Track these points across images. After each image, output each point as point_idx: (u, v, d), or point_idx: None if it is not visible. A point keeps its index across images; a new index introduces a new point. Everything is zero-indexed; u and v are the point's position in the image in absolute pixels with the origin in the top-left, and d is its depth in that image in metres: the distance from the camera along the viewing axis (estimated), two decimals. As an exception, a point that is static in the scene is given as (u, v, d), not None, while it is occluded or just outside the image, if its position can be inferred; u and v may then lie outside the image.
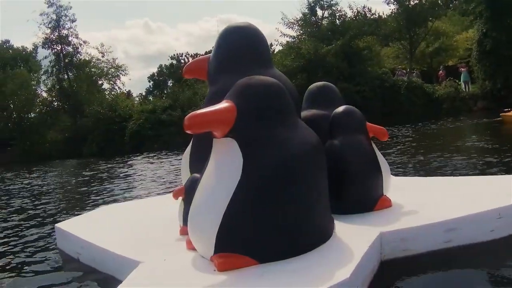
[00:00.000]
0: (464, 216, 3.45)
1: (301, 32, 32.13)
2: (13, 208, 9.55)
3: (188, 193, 3.68)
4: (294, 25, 32.52)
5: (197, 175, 3.62)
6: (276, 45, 34.84)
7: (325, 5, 32.19)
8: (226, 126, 3.00)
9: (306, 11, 32.20)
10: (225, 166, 3.04)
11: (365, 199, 4.00)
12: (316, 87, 4.80)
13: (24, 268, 4.55)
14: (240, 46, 4.07)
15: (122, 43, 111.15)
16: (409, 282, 3.04)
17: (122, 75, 48.18)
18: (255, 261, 2.85)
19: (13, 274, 4.32)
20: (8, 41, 61.33)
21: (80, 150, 36.48)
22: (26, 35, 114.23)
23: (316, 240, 3.09)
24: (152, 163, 19.27)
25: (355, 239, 3.19)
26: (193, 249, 3.26)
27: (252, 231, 2.88)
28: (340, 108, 4.25)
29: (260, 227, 2.88)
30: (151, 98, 53.63)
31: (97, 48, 46.72)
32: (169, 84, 66.80)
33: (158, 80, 73.87)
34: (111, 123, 36.27)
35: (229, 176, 2.97)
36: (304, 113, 4.42)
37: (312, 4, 31.94)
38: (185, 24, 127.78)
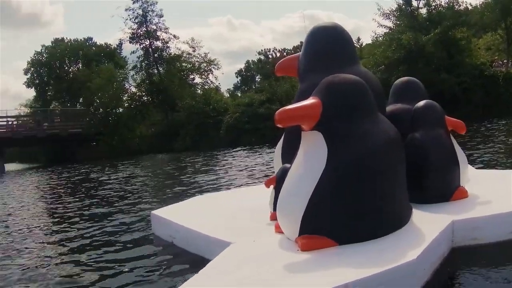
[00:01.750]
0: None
1: (398, 22, 31.72)
2: (108, 199, 10.46)
3: (278, 182, 4.12)
4: (390, 16, 32.13)
5: (287, 165, 4.07)
6: (374, 37, 34.48)
7: None
8: (312, 120, 3.43)
9: (401, 1, 31.77)
10: (312, 156, 3.48)
11: (443, 190, 4.36)
12: (401, 82, 5.14)
13: (121, 251, 5.15)
14: (327, 45, 4.50)
15: (206, 41, 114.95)
16: (476, 269, 3.26)
17: (215, 69, 48.98)
18: (334, 243, 3.26)
19: (111, 257, 4.91)
20: (91, 39, 64.01)
21: (171, 144, 37.41)
22: (109, 32, 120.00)
23: (392, 225, 3.47)
24: (247, 156, 20.03)
25: (428, 225, 3.55)
26: (281, 232, 3.72)
27: (333, 216, 3.30)
28: (421, 103, 4.62)
29: (341, 212, 3.30)
30: (239, 93, 54.13)
31: (187, 43, 47.74)
32: (257, 79, 67.73)
33: (246, 76, 75.35)
34: (206, 117, 37.14)
35: (314, 166, 3.40)
36: (389, 107, 4.81)
37: None
38: (268, 20, 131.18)
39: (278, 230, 3.78)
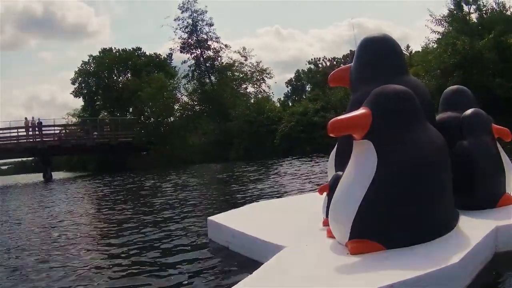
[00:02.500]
0: None
1: (451, 28, 31.57)
2: (162, 206, 11.00)
3: (331, 189, 4.42)
4: (442, 22, 31.99)
5: (340, 173, 4.38)
6: (426, 43, 34.36)
7: (471, 0, 31.42)
8: (363, 129, 3.73)
9: (452, 6, 31.61)
10: (362, 164, 3.78)
11: (489, 196, 4.62)
12: (451, 90, 5.39)
13: (177, 255, 5.52)
14: (377, 56, 4.80)
15: (255, 51, 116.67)
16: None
17: (267, 78, 49.68)
18: (382, 247, 3.54)
19: (167, 261, 5.30)
20: (139, 49, 65.26)
21: (224, 153, 38.03)
22: (157, 42, 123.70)
23: (438, 231, 3.71)
24: (302, 164, 20.46)
25: (472, 231, 3.80)
26: (332, 237, 4.02)
27: (382, 221, 3.58)
28: (469, 111, 4.89)
29: (389, 217, 3.58)
30: (289, 103, 54.44)
31: (239, 52, 48.56)
32: (307, 88, 68.09)
33: (296, 85, 75.97)
34: (259, 126, 37.74)
35: (364, 173, 3.70)
36: (439, 115, 5.09)
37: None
38: (316, 29, 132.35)
39: (330, 235, 4.08)
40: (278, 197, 9.78)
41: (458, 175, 4.13)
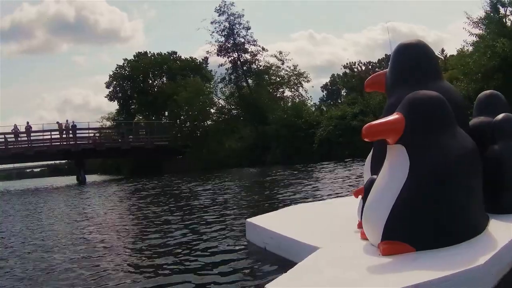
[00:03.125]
0: None
1: (488, 30, 31.30)
2: (200, 208, 11.47)
3: (366, 192, 4.65)
4: (479, 24, 31.74)
5: (374, 176, 4.63)
6: (463, 46, 34.11)
7: (507, 2, 31.09)
8: (396, 134, 3.98)
9: (489, 8, 31.35)
10: (395, 168, 4.03)
11: None
12: (484, 95, 5.58)
13: (216, 255, 5.87)
14: (411, 62, 5.03)
15: (289, 55, 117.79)
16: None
17: (304, 81, 49.72)
18: (413, 248, 3.77)
19: (206, 260, 5.64)
20: (175, 53, 66.08)
21: (261, 157, 38.20)
22: (192, 46, 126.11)
23: (467, 233, 3.92)
24: (340, 168, 20.79)
25: (500, 233, 4.00)
26: (366, 238, 4.28)
27: (412, 224, 3.82)
28: (500, 116, 5.07)
29: (420, 220, 3.81)
30: (324, 107, 54.55)
31: (275, 56, 48.61)
32: (342, 93, 68.25)
33: (331, 89, 76.24)
34: (297, 130, 37.66)
35: (397, 177, 3.94)
36: (473, 120, 5.29)
37: (494, 1, 31.03)
38: (350, 33, 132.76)
39: (364, 236, 4.33)
40: (314, 200, 10.12)
41: (488, 179, 4.33)
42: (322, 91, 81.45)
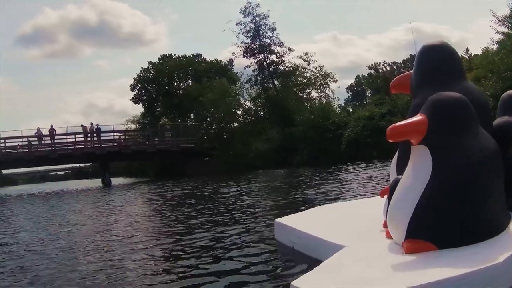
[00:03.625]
0: None
1: None
2: (228, 208, 11.84)
3: (391, 191, 4.81)
4: (505, 22, 31.61)
5: (399, 176, 4.78)
6: (489, 45, 34.00)
7: None
8: (419, 135, 4.15)
9: None
10: (419, 168, 4.19)
11: None
12: (507, 95, 5.66)
13: (245, 254, 6.12)
14: (435, 63, 5.16)
15: (315, 56, 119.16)
16: None
17: (331, 82, 50.10)
18: (435, 247, 3.93)
19: (235, 258, 5.91)
20: (200, 55, 67.10)
21: (288, 159, 38.58)
22: (216, 49, 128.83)
23: (489, 232, 4.06)
24: (368, 169, 21.18)
25: (522, 232, 4.13)
26: (390, 237, 4.46)
27: (435, 223, 3.98)
28: None
29: (443, 219, 3.97)
30: (350, 108, 54.71)
31: (301, 57, 49.15)
32: (367, 94, 68.43)
33: (356, 91, 76.47)
34: (325, 131, 37.98)
35: (421, 177, 4.11)
36: (496, 120, 5.38)
37: None
38: (374, 34, 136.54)
39: (389, 235, 4.50)
40: (343, 200, 10.38)
41: (510, 178, 4.46)
42: (347, 92, 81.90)
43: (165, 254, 6.72)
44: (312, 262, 4.66)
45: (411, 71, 5.56)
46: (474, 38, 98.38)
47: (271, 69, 49.18)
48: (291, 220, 6.43)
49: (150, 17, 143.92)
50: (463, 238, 3.95)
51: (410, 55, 61.28)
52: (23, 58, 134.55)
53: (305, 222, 6.15)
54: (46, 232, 10.27)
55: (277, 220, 6.68)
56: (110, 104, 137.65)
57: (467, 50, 55.84)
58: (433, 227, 3.97)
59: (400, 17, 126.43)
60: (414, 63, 5.50)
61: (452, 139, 4.09)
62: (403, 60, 66.58)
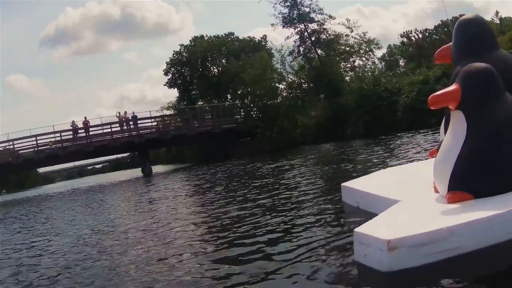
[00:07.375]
0: None
1: None
2: (296, 179, 13.72)
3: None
4: None
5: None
6: None
7: None
8: (455, 102, 5.37)
9: None
10: (456, 130, 5.43)
11: None
12: None
13: (316, 214, 7.62)
14: (471, 35, 6.30)
15: (358, 22, 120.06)
16: None
17: (375, 48, 50.67)
18: (473, 197, 5.15)
19: (304, 220, 7.43)
20: (232, 33, 68.12)
21: (339, 131, 39.04)
22: (246, 28, 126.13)
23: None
24: (425, 136, 22.03)
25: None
26: (437, 191, 5.73)
27: (472, 175, 5.19)
28: None
29: (478, 173, 5.18)
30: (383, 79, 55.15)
31: (343, 24, 49.51)
32: (401, 63, 68.69)
33: (389, 60, 76.78)
34: (378, 99, 37.99)
35: (458, 137, 5.35)
36: None
37: None
38: (398, 5, 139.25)
39: (436, 190, 5.76)
40: (401, 164, 11.75)
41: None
42: (380, 62, 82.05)
43: (260, 210, 8.73)
44: (374, 216, 5.73)
45: (450, 43, 6.74)
46: (500, 1, 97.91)
47: (313, 38, 49.62)
48: (355, 183, 7.87)
49: (174, 6, 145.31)
50: (497, 188, 5.11)
51: (441, 20, 61.50)
52: (51, 59, 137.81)
53: (367, 184, 7.53)
54: (92, 227, 11.38)
55: (343, 184, 8.09)
56: (142, 95, 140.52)
57: (497, 13, 56.10)
58: (470, 180, 5.16)
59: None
60: (452, 36, 6.64)
61: (482, 103, 5.26)
62: (435, 26, 66.88)
